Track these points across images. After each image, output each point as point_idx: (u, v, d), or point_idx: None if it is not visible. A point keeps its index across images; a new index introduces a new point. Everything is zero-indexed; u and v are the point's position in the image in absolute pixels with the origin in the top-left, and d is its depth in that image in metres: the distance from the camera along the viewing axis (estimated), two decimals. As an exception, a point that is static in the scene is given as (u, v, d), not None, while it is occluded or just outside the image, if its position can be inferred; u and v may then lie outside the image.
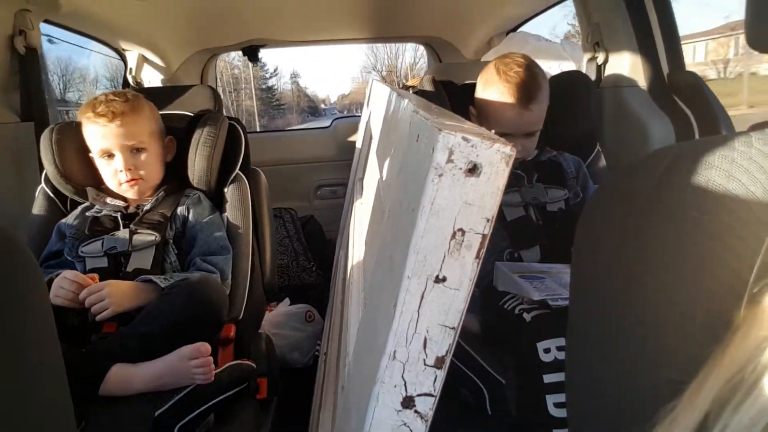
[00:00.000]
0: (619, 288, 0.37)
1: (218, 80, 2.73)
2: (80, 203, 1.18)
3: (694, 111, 1.25)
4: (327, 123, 2.64)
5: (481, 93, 1.17)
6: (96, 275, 0.98)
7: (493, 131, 1.18)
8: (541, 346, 0.82)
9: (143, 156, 1.14)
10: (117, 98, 1.12)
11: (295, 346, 1.62)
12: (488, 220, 0.32)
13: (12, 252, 0.37)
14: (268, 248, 1.28)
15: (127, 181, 1.12)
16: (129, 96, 1.14)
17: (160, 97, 1.28)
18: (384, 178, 0.63)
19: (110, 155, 1.12)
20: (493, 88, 1.13)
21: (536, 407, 0.81)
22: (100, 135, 1.10)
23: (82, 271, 1.03)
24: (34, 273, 0.39)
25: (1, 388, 0.34)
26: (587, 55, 1.54)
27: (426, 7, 2.02)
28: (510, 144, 0.31)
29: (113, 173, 1.13)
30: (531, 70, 1.12)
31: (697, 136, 1.24)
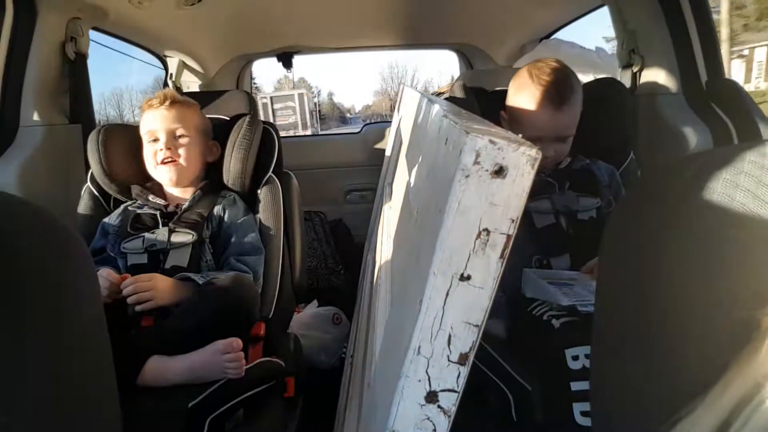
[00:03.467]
0: (643, 293, 0.37)
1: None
2: (123, 202, 1.23)
3: (734, 119, 1.21)
4: (357, 129, 2.66)
5: (513, 96, 1.16)
6: (127, 275, 1.03)
7: (522, 136, 1.18)
8: (569, 353, 0.81)
9: (184, 141, 1.21)
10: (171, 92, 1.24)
11: (322, 348, 1.64)
12: (513, 221, 0.33)
13: (65, 239, 0.40)
14: (298, 250, 1.31)
15: (164, 161, 1.19)
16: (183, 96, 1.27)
17: (198, 101, 1.33)
18: (413, 182, 0.65)
19: (155, 139, 1.20)
20: (525, 91, 1.11)
21: (563, 415, 0.79)
22: (149, 119, 1.21)
23: (123, 266, 1.09)
24: (86, 260, 0.42)
25: (54, 370, 0.36)
26: (622, 62, 1.51)
27: (459, 14, 2.02)
28: (536, 147, 0.32)
29: (153, 153, 1.20)
30: (564, 72, 1.10)
31: None
